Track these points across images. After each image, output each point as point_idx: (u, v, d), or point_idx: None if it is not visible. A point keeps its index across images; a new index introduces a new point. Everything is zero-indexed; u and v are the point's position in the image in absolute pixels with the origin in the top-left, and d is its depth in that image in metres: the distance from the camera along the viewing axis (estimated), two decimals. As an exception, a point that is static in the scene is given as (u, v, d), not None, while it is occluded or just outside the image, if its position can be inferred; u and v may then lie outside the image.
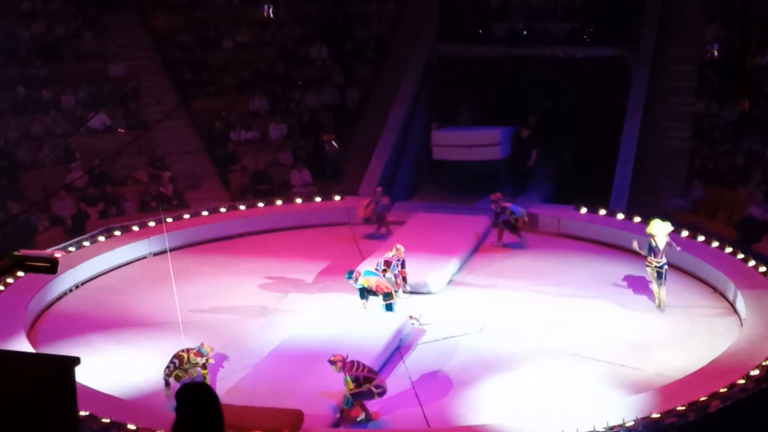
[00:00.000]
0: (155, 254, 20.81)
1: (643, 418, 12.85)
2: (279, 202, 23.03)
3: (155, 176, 25.00)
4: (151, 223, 21.30)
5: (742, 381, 13.69)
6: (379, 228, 21.76)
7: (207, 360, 14.84)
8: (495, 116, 27.31)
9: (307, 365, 15.03)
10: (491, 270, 19.85)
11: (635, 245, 17.87)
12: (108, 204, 23.61)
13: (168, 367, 14.60)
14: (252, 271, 20.05)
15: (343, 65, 29.45)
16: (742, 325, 16.40)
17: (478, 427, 13.51)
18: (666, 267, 17.33)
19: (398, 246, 18.16)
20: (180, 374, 14.45)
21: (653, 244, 17.37)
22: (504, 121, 26.62)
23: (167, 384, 14.66)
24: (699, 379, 14.30)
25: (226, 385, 14.87)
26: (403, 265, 18.04)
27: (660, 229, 17.46)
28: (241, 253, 21.17)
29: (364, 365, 13.84)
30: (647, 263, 17.58)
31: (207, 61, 28.78)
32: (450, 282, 19.05)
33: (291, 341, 16.25)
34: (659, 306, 17.43)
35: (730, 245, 19.30)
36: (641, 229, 20.77)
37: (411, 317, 16.95)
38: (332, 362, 13.85)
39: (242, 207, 23.03)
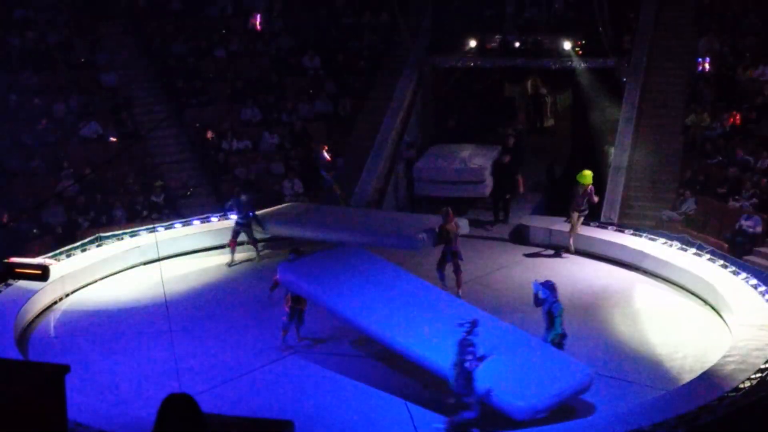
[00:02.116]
0: (146, 263, 20.78)
1: (633, 431, 12.82)
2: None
3: (147, 185, 24.94)
4: (142, 232, 21.28)
5: (732, 393, 13.68)
6: None
7: None
8: (480, 129, 27.43)
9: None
10: (483, 281, 19.86)
11: None
12: (99, 213, 23.54)
13: None
14: (244, 280, 20.02)
15: (336, 75, 29.46)
16: (732, 337, 16.40)
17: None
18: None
19: None
20: None
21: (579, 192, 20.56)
22: (487, 135, 26.75)
23: None
24: (689, 392, 14.31)
25: (216, 395, 14.85)
26: None
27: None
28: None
29: None
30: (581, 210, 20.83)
31: (199, 70, 28.78)
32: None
33: None
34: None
35: (721, 257, 19.34)
36: (634, 242, 20.90)
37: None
38: None
39: (233, 216, 22.97)
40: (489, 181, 23.69)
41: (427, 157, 24.73)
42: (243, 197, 21.16)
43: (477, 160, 24.07)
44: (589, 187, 21.14)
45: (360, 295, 16.11)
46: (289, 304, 16.47)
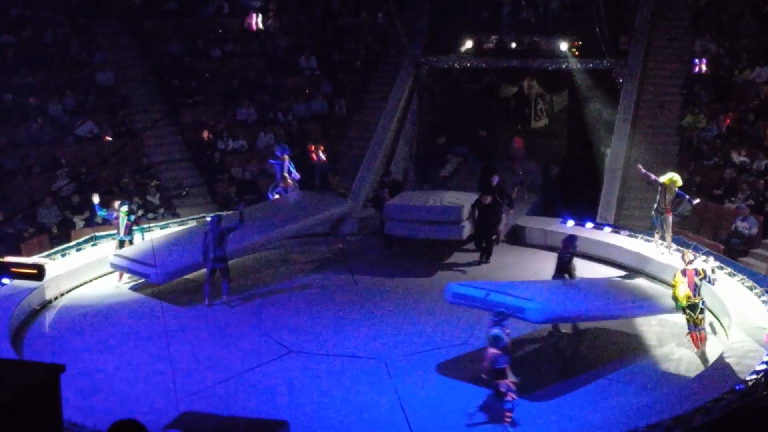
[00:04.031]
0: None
1: None
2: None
3: (142, 185, 24.91)
4: (137, 232, 21.24)
5: (727, 395, 13.68)
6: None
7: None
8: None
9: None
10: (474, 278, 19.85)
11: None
12: (94, 212, 23.48)
13: None
14: (238, 281, 20.00)
15: (332, 76, 29.46)
16: (728, 339, 16.40)
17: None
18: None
19: None
20: None
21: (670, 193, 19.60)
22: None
23: None
24: (684, 393, 14.31)
25: (211, 394, 14.84)
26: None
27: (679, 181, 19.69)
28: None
29: None
30: (666, 210, 19.66)
31: (195, 69, 28.75)
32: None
33: None
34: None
35: (716, 259, 19.33)
36: (629, 243, 20.90)
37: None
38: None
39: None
40: (467, 224, 21.38)
41: (400, 196, 22.68)
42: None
43: (454, 200, 21.83)
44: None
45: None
46: None
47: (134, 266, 19.20)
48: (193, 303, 18.82)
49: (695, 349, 16.03)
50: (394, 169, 26.76)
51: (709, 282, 16.44)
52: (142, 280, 19.43)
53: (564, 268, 17.93)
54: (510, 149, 29.15)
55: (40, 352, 16.35)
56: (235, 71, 28.96)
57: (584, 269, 19.92)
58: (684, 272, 16.13)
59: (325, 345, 16.91)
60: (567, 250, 18.07)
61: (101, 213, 19.85)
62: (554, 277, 17.97)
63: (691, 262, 16.33)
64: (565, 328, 17.33)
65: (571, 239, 18.27)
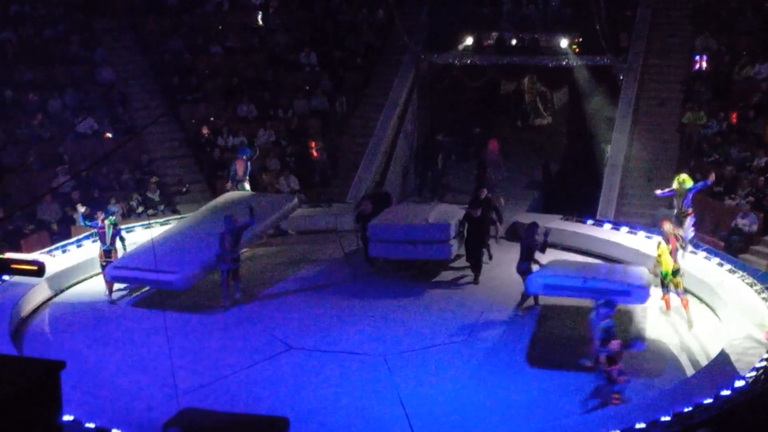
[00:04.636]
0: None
1: (629, 428, 12.83)
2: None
3: (142, 181, 24.92)
4: (138, 228, 21.25)
5: (726, 392, 13.68)
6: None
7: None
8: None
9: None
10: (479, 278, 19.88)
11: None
12: (94, 209, 23.48)
13: None
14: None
15: (332, 72, 29.46)
16: (728, 335, 16.39)
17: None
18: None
19: None
20: None
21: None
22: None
23: None
24: (684, 389, 14.30)
25: (212, 391, 14.85)
26: None
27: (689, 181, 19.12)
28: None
29: None
30: (685, 213, 18.96)
31: (195, 66, 28.76)
32: None
33: None
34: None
35: (716, 256, 19.34)
36: (628, 240, 20.89)
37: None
38: None
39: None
40: (455, 242, 20.09)
41: (383, 214, 21.02)
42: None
43: (441, 217, 20.40)
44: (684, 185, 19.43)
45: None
46: None
47: (146, 275, 18.45)
48: (193, 300, 18.81)
49: (668, 312, 16.97)
50: (393, 166, 26.82)
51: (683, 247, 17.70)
52: (145, 288, 19.30)
53: (531, 257, 18.13)
54: (484, 152, 28.21)
55: (40, 349, 16.36)
56: (235, 68, 28.98)
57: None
58: (667, 240, 17.15)
59: (325, 341, 16.90)
60: (533, 239, 18.23)
61: (84, 223, 19.45)
62: (521, 264, 18.15)
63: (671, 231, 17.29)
64: (551, 337, 17.34)
65: (534, 226, 18.45)
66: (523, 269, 18.14)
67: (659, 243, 17.54)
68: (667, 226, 17.57)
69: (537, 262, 18.24)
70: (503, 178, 27.42)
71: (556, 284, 16.96)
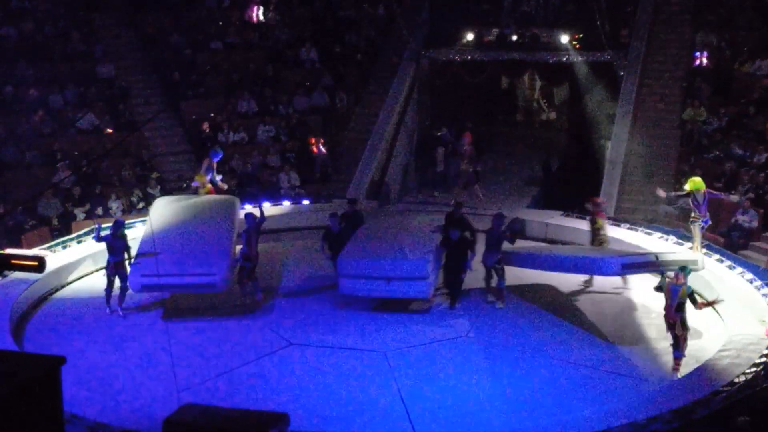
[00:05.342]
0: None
1: (628, 424, 12.84)
2: (267, 204, 22.86)
3: (143, 177, 24.92)
4: (139, 224, 21.24)
5: (727, 388, 13.70)
6: None
7: None
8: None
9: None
10: (477, 274, 19.84)
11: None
12: (95, 204, 23.51)
13: None
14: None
15: (333, 68, 29.45)
16: (727, 332, 16.41)
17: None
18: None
19: None
20: None
21: (698, 199, 18.46)
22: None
23: None
24: (684, 386, 14.33)
25: (212, 387, 14.87)
26: None
27: (702, 185, 18.63)
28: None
29: None
30: (693, 219, 18.62)
31: (196, 62, 28.75)
32: None
33: None
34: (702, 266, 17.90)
35: (716, 252, 19.34)
36: (628, 236, 20.89)
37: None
38: None
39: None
40: (433, 276, 18.20)
41: (354, 243, 18.82)
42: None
43: (419, 246, 18.44)
44: (704, 191, 18.81)
45: None
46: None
47: (182, 280, 17.71)
48: (193, 296, 18.80)
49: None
50: (393, 164, 26.79)
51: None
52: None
53: (500, 248, 18.15)
54: (458, 145, 26.88)
55: (40, 344, 16.37)
56: (235, 64, 28.96)
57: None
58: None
59: (326, 337, 16.92)
60: (500, 230, 18.23)
61: (98, 238, 18.25)
62: (490, 256, 18.23)
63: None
64: (551, 331, 17.35)
65: (501, 217, 18.52)
66: (493, 261, 18.14)
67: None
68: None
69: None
70: (482, 170, 26.98)
71: (632, 263, 17.39)
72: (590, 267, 18.20)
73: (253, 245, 18.41)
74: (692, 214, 18.82)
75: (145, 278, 17.59)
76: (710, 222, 19.06)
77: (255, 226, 18.51)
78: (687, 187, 18.86)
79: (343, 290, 18.23)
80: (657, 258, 17.32)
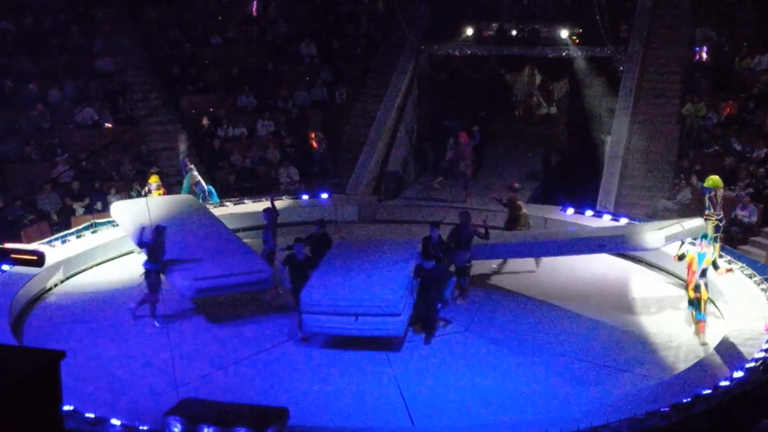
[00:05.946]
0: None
1: (627, 419, 12.84)
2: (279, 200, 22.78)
3: (142, 172, 24.91)
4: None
5: (725, 383, 13.71)
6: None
7: None
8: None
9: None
10: (475, 269, 19.85)
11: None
12: (94, 199, 23.51)
13: None
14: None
15: (332, 63, 29.44)
16: (726, 327, 16.42)
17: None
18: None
19: None
20: None
21: (717, 198, 18.02)
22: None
23: None
24: (683, 381, 14.32)
25: (211, 381, 14.87)
26: None
27: (720, 183, 18.18)
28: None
29: None
30: (707, 216, 18.12)
31: (195, 57, 28.74)
32: None
33: None
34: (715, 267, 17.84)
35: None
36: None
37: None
38: None
39: (228, 204, 23.14)
40: (406, 313, 16.23)
41: (319, 275, 16.80)
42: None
43: (390, 280, 16.38)
44: (719, 190, 18.18)
45: None
46: None
47: (236, 279, 17.35)
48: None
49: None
50: (393, 159, 26.77)
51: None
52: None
53: (467, 244, 18.01)
54: (456, 144, 25.97)
55: (40, 339, 16.37)
56: (235, 58, 28.95)
57: (583, 256, 19.92)
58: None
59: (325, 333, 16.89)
60: (467, 227, 18.09)
61: (140, 244, 17.79)
62: (461, 255, 18.06)
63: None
64: (550, 326, 17.35)
65: (467, 215, 18.45)
66: (464, 260, 18.05)
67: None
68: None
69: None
70: (476, 171, 26.79)
71: (666, 235, 17.59)
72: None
73: (275, 240, 18.77)
74: (706, 212, 18.18)
75: (200, 282, 17.13)
76: (725, 221, 18.67)
77: (272, 220, 18.78)
78: (707, 184, 18.17)
79: (306, 328, 16.30)
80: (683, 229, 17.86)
